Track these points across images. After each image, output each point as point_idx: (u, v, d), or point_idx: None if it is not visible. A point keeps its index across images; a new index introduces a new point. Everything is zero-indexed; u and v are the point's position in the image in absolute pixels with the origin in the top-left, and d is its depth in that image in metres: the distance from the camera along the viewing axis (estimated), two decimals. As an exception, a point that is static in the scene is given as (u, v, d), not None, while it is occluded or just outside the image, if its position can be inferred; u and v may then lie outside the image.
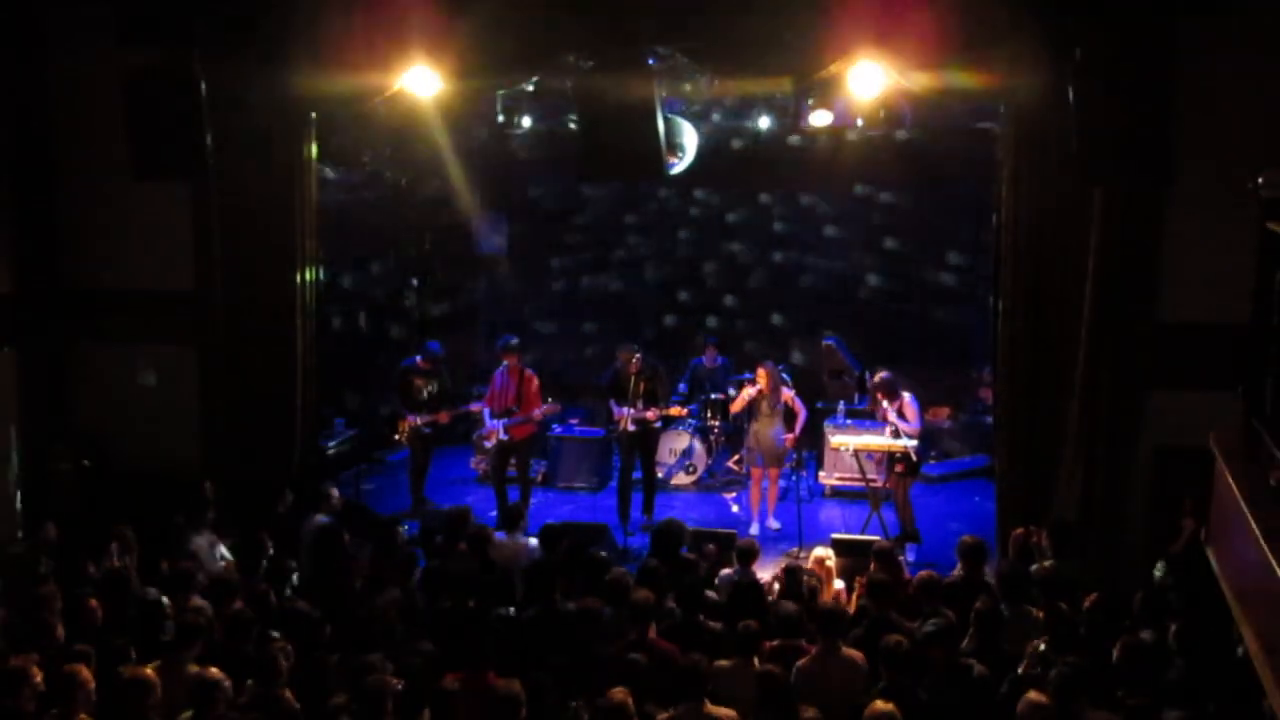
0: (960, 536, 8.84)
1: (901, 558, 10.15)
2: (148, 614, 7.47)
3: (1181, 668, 6.82)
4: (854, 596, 8.70)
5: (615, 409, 12.11)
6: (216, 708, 6.14)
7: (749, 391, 11.85)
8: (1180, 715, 6.22)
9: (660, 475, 12.90)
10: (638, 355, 11.95)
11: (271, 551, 8.84)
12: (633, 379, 11.87)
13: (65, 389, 11.22)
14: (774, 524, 12.04)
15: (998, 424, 10.43)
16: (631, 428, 11.88)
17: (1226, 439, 7.36)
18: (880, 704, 6.00)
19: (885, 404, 11.29)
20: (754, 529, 11.82)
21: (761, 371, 11.85)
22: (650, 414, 11.95)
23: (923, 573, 8.29)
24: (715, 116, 12.85)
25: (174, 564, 8.54)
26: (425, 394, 12.25)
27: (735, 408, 12.23)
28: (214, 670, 6.33)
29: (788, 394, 11.99)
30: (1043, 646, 6.89)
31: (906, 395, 11.27)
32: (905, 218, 15.30)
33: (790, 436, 11.97)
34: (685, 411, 12.78)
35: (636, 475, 12.20)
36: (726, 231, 16.00)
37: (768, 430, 11.84)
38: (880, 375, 11.51)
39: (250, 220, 10.61)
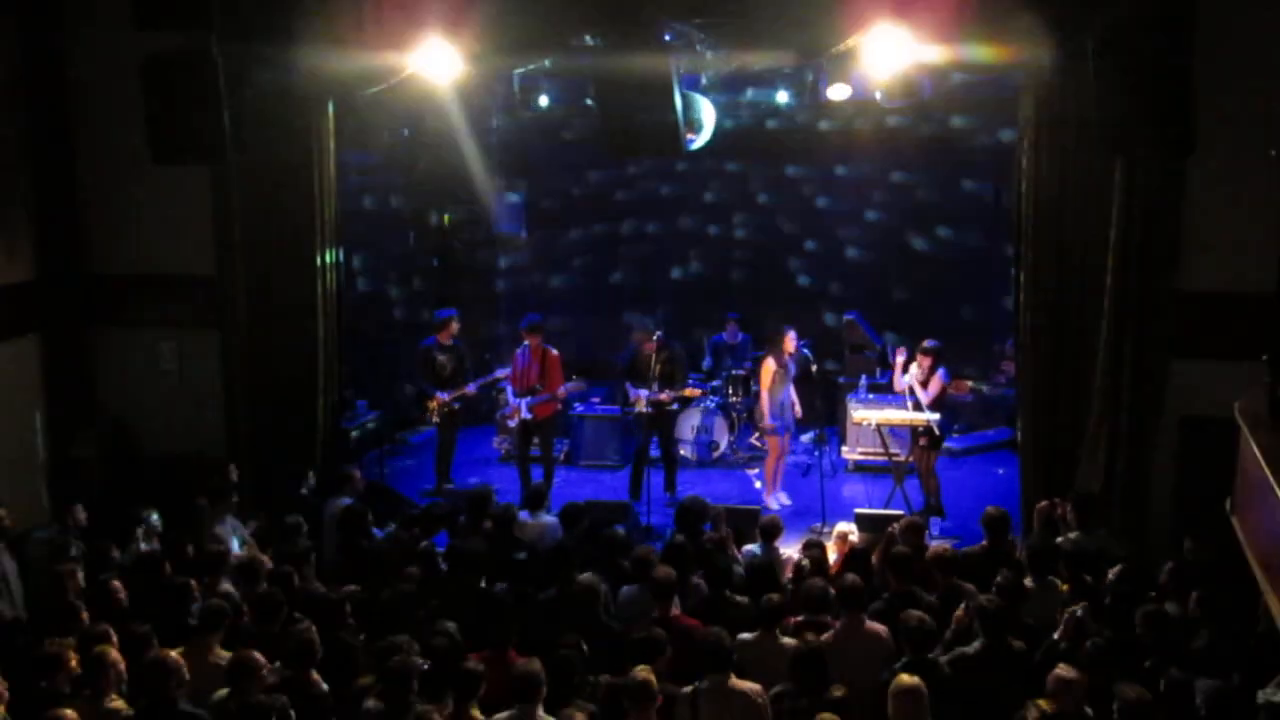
0: (985, 509, 8.79)
1: (926, 531, 10.13)
2: (174, 597, 7.51)
3: (1206, 637, 6.79)
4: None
5: (631, 390, 12.10)
6: (254, 687, 6.19)
7: (770, 365, 11.85)
8: (1213, 685, 6.19)
9: (684, 453, 12.89)
10: (656, 335, 11.93)
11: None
12: (650, 359, 11.85)
13: (89, 373, 11.27)
14: (783, 499, 12.08)
15: (1021, 396, 10.39)
16: (647, 409, 11.89)
17: (1252, 408, 7.32)
18: (905, 677, 6.01)
19: (916, 370, 11.25)
20: (772, 503, 11.84)
21: (788, 338, 11.94)
22: (664, 396, 11.95)
23: (937, 546, 8.27)
24: (733, 91, 12.78)
25: (200, 547, 8.59)
26: (449, 370, 12.25)
27: (764, 384, 12.13)
28: (253, 654, 6.37)
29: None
30: (1079, 612, 6.81)
31: (940, 370, 11.27)
32: (926, 190, 15.18)
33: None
34: (700, 392, 12.77)
35: (655, 454, 12.18)
36: (746, 207, 15.89)
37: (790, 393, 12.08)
38: (930, 342, 11.47)
39: (270, 203, 10.63)
